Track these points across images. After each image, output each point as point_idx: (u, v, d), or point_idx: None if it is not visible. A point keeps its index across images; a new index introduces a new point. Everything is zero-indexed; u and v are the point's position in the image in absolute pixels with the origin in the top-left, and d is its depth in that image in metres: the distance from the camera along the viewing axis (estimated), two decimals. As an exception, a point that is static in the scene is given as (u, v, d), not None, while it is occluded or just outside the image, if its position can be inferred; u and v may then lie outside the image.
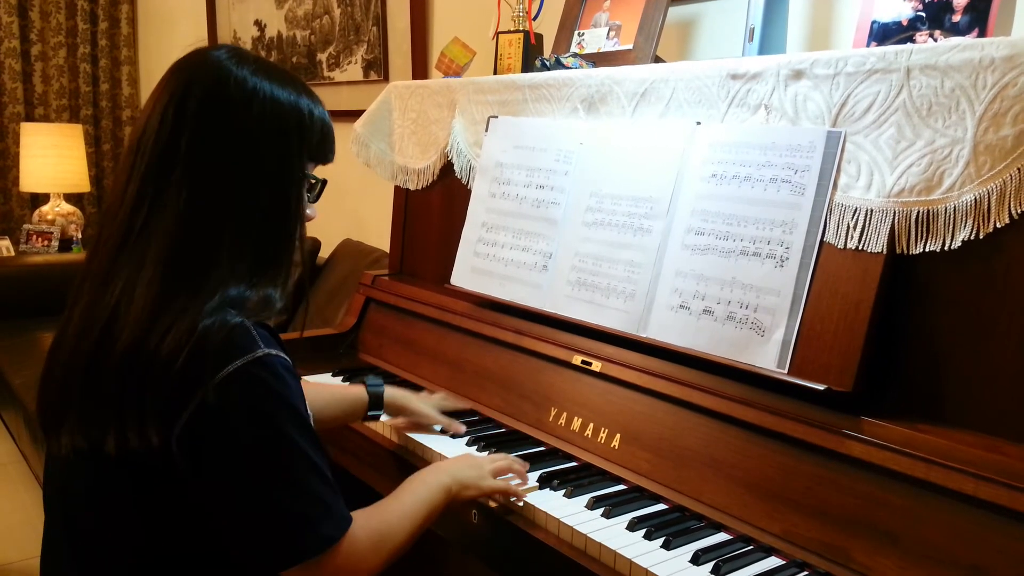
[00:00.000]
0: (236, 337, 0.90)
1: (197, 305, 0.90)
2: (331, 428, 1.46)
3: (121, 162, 0.99)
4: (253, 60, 1.00)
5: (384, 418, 1.49)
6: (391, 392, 1.47)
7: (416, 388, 1.62)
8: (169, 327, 0.88)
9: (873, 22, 1.33)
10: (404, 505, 1.09)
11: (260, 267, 0.97)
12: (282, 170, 0.99)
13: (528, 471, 1.27)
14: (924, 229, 1.06)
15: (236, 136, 0.96)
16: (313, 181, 1.04)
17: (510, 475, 1.24)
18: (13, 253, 3.80)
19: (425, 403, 1.48)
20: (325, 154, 1.05)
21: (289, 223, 1.01)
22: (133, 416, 0.88)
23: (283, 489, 0.91)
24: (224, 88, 0.96)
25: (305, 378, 1.69)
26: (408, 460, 1.41)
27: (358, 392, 1.45)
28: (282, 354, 0.94)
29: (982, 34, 1.20)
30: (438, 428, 1.46)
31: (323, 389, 1.44)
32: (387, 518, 1.05)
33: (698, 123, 1.34)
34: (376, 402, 1.45)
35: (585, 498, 1.20)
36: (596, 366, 1.37)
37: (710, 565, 1.03)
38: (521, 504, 1.20)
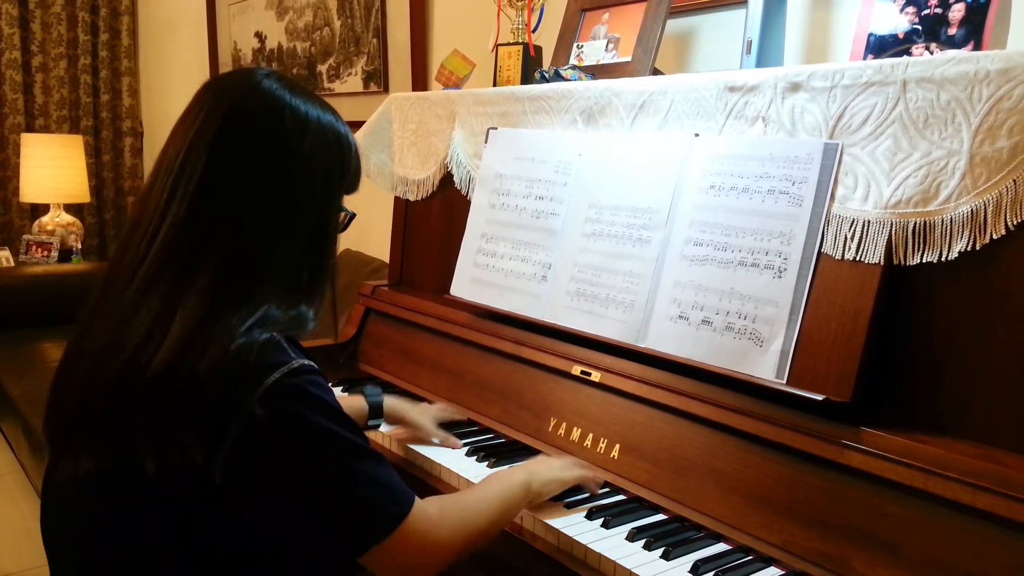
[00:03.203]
0: (269, 352, 0.90)
1: (235, 325, 0.90)
2: None
3: (153, 182, 0.98)
4: (301, 88, 1.02)
5: (384, 428, 1.50)
6: (390, 402, 1.49)
7: (417, 398, 1.63)
8: (205, 348, 0.88)
9: (870, 35, 1.35)
10: (482, 494, 1.11)
11: (297, 289, 0.99)
12: (326, 198, 1.02)
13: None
14: (921, 240, 1.07)
15: (291, 166, 0.97)
16: (344, 213, 1.07)
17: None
18: (13, 264, 3.81)
19: (423, 415, 1.48)
20: (356, 185, 1.08)
21: (328, 248, 1.04)
22: (171, 437, 0.88)
23: (342, 483, 0.93)
24: (281, 118, 0.97)
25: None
26: (413, 473, 1.41)
27: (358, 402, 1.47)
28: (311, 362, 0.95)
29: (977, 47, 1.21)
30: (436, 441, 1.46)
31: None
32: (463, 500, 1.08)
33: (696, 135, 1.35)
34: (376, 412, 1.47)
35: (585, 508, 1.20)
36: (595, 376, 1.38)
37: (710, 575, 1.04)
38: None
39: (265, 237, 0.96)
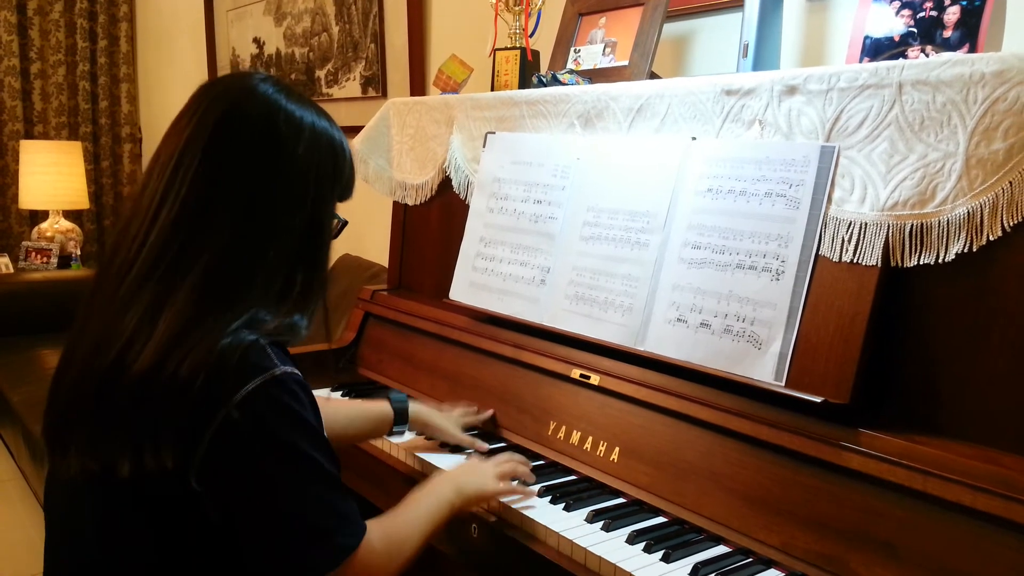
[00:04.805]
0: (252, 355, 0.90)
1: (220, 327, 0.90)
2: (356, 442, 1.48)
3: (147, 182, 0.98)
4: (297, 93, 1.02)
5: (407, 435, 1.48)
6: (415, 407, 1.47)
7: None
8: (189, 350, 0.88)
9: (865, 38, 1.35)
10: (411, 516, 1.11)
11: (289, 295, 0.99)
12: (318, 204, 1.02)
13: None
14: (918, 242, 1.07)
15: (284, 170, 0.98)
16: (336, 220, 1.06)
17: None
18: (12, 270, 3.81)
19: (447, 419, 1.48)
20: (349, 192, 1.08)
21: (321, 255, 1.04)
22: (149, 439, 0.88)
23: (300, 504, 0.93)
24: (275, 122, 0.98)
25: (323, 394, 1.70)
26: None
27: (383, 407, 1.44)
28: (295, 371, 0.95)
29: (972, 49, 1.22)
30: (466, 449, 1.45)
31: (346, 405, 1.45)
32: (398, 527, 1.08)
33: (693, 138, 1.35)
34: (401, 417, 1.44)
35: (584, 511, 1.21)
36: (594, 380, 1.38)
37: (709, 578, 1.04)
38: (524, 509, 1.20)
39: (255, 240, 0.96)
